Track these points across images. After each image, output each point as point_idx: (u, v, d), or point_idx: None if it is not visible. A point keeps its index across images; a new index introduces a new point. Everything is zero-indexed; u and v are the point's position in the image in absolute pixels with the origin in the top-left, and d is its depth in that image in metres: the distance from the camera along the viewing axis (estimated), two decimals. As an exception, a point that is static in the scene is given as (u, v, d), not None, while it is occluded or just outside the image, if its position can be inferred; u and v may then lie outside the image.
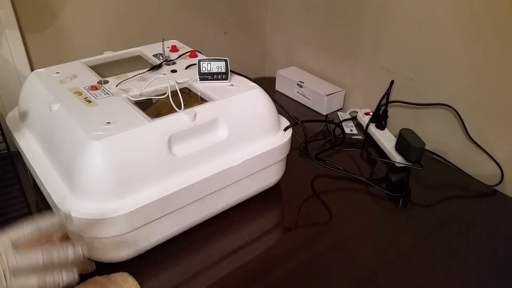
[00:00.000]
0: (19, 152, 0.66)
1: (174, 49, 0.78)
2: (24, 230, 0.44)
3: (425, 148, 0.76)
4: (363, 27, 0.92)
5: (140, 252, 0.57)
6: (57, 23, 0.83)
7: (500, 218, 0.69)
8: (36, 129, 0.62)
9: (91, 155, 0.50)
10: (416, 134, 0.78)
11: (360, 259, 0.60)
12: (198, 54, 0.77)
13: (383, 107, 0.87)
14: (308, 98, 1.00)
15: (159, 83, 0.65)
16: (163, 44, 0.75)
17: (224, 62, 0.66)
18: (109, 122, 0.54)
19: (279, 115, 0.69)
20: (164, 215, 0.55)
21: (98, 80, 0.65)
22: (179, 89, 0.62)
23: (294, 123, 0.69)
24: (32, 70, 0.82)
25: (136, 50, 0.78)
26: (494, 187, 0.77)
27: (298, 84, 1.02)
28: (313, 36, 1.06)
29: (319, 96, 0.97)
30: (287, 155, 0.69)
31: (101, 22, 0.89)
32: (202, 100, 0.63)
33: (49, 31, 0.83)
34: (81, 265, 0.54)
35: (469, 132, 0.80)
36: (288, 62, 1.16)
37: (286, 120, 0.70)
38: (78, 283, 0.53)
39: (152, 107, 0.61)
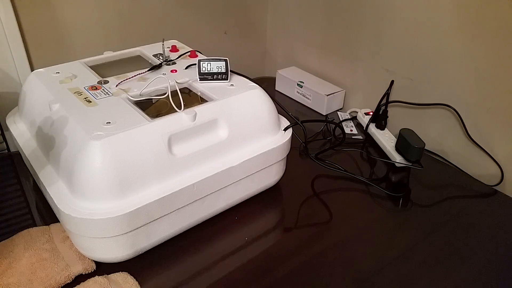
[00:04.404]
0: (19, 152, 0.66)
1: (174, 49, 0.78)
2: None
3: (425, 148, 0.76)
4: (363, 27, 0.92)
5: (140, 252, 0.57)
6: (57, 23, 0.83)
7: (500, 218, 0.69)
8: (36, 129, 0.62)
9: (91, 155, 0.50)
10: (416, 134, 0.78)
11: (360, 259, 0.60)
12: (198, 54, 0.77)
13: (383, 107, 0.87)
14: (308, 98, 1.00)
15: (159, 83, 0.65)
16: (163, 44, 0.75)
17: (224, 62, 0.66)
18: (109, 122, 0.54)
19: (279, 115, 0.69)
20: (164, 215, 0.55)
21: (98, 80, 0.65)
22: (179, 89, 0.62)
23: (294, 123, 0.69)
24: (32, 70, 0.82)
25: (136, 50, 0.78)
26: (494, 187, 0.77)
27: (298, 84, 1.02)
28: (313, 36, 1.06)
29: (319, 96, 0.97)
30: (287, 155, 0.69)
31: (101, 22, 0.89)
32: (202, 100, 0.63)
33: (49, 31, 0.83)
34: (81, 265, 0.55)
35: (469, 132, 0.80)
36: (288, 62, 1.16)
37: (286, 120, 0.70)
38: (78, 283, 0.53)
39: (152, 107, 0.62)
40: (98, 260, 0.56)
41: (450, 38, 0.78)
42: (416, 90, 0.87)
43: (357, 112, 0.95)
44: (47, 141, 0.59)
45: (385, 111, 0.87)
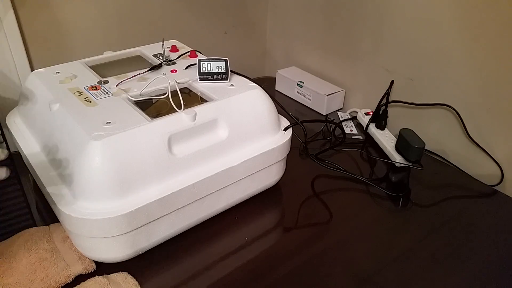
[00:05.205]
0: (19, 152, 0.66)
1: (174, 49, 0.78)
2: None
3: (425, 148, 0.76)
4: (363, 27, 0.92)
5: (140, 252, 0.57)
6: (57, 23, 0.83)
7: (500, 218, 0.69)
8: (36, 129, 0.62)
9: (91, 155, 0.50)
10: (416, 134, 0.78)
11: (360, 259, 0.60)
12: (198, 54, 0.77)
13: (383, 107, 0.87)
14: (308, 98, 1.00)
15: (159, 83, 0.65)
16: (163, 44, 0.75)
17: (224, 62, 0.66)
18: (109, 122, 0.54)
19: (279, 115, 0.69)
20: (164, 215, 0.55)
21: (98, 80, 0.65)
22: (179, 89, 0.62)
23: (294, 123, 0.69)
24: (32, 70, 0.82)
25: (136, 50, 0.78)
26: (494, 187, 0.77)
27: (298, 84, 1.02)
28: (313, 36, 1.06)
29: (319, 96, 0.97)
30: (287, 155, 0.69)
31: (101, 22, 0.89)
32: (202, 100, 0.63)
33: (49, 31, 0.83)
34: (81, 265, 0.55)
35: (469, 132, 0.80)
36: (288, 62, 1.16)
37: (286, 120, 0.70)
38: (78, 283, 0.53)
39: (152, 107, 0.61)
40: (98, 260, 0.56)
41: (451, 38, 0.78)
42: (416, 90, 0.87)
43: (357, 112, 0.95)
44: (47, 141, 0.59)
45: (385, 111, 0.87)
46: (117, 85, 0.64)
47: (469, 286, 0.57)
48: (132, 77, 0.67)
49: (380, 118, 0.87)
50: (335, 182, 0.76)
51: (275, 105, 0.67)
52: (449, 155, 0.84)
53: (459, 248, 0.63)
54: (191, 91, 0.66)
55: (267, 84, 1.11)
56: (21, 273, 0.53)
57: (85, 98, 0.60)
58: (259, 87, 0.66)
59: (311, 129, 0.91)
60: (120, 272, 0.55)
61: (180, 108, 0.58)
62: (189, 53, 0.76)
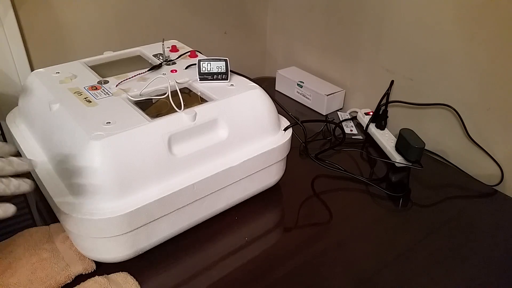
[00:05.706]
0: (19, 152, 0.66)
1: (174, 49, 0.78)
2: None
3: (425, 148, 0.76)
4: (363, 27, 0.92)
5: (140, 252, 0.57)
6: (57, 23, 0.83)
7: (500, 218, 0.69)
8: (36, 129, 0.62)
9: (91, 155, 0.50)
10: (416, 134, 0.78)
11: (360, 259, 0.60)
12: (198, 54, 0.77)
13: (383, 107, 0.87)
14: (308, 98, 1.00)
15: (159, 83, 0.65)
16: (163, 44, 0.75)
17: (224, 62, 0.66)
18: (109, 122, 0.54)
19: (279, 115, 0.69)
20: (164, 215, 0.55)
21: (98, 80, 0.65)
22: (179, 89, 0.62)
23: (294, 123, 0.69)
24: (32, 70, 0.82)
25: (136, 50, 0.78)
26: (494, 187, 0.77)
27: (298, 84, 1.02)
28: (313, 36, 1.06)
29: (319, 96, 0.97)
30: (287, 155, 0.69)
31: (101, 22, 0.89)
32: (202, 100, 0.63)
33: (49, 31, 0.83)
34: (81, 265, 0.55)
35: (469, 132, 0.80)
36: (288, 62, 1.16)
37: (286, 120, 0.70)
38: (78, 283, 0.53)
39: (152, 107, 0.61)
40: (98, 260, 0.56)
41: (450, 38, 0.78)
42: (416, 90, 0.86)
43: (357, 112, 0.95)
44: (47, 141, 0.59)
45: (385, 111, 0.87)
46: (117, 85, 0.64)
47: (469, 286, 0.57)
48: (132, 77, 0.67)
49: (380, 118, 0.87)
50: (335, 182, 0.76)
51: (275, 105, 0.67)
52: (449, 155, 0.84)
53: (459, 248, 0.63)
54: (191, 91, 0.66)
55: (267, 84, 1.11)
56: (21, 273, 0.53)
57: (85, 98, 0.60)
58: (259, 87, 0.66)
59: (311, 129, 0.91)
60: (120, 272, 0.55)
61: (180, 108, 0.58)
62: (189, 53, 0.76)
